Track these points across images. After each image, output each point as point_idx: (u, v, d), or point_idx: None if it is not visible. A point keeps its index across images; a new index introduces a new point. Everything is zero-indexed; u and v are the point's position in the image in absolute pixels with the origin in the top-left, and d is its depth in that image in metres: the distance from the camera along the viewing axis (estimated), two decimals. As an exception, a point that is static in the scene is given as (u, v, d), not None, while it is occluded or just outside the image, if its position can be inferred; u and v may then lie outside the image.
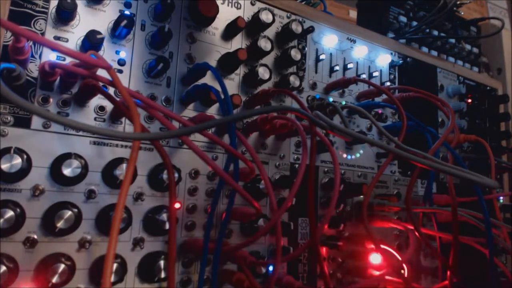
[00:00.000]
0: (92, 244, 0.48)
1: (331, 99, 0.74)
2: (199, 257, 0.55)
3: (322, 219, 0.51)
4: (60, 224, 0.45)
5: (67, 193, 0.48)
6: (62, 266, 0.44)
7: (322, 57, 0.72)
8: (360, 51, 0.78)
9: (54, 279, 0.44)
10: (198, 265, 0.56)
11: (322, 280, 0.57)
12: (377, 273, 0.68)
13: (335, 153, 0.55)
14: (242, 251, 0.53)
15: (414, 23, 0.94)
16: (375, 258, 0.69)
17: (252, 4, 0.67)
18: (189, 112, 0.58)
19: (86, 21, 0.51)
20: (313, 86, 0.72)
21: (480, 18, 1.10)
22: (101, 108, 0.51)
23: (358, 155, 0.76)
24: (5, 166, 0.43)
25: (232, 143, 0.49)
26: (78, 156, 0.48)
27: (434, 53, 0.97)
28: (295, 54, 0.65)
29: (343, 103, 0.75)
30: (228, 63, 0.61)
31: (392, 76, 0.85)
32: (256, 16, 0.63)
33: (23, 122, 0.46)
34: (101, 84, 0.46)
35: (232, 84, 0.63)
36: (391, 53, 0.85)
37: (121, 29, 0.51)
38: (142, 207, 0.53)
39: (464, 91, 0.93)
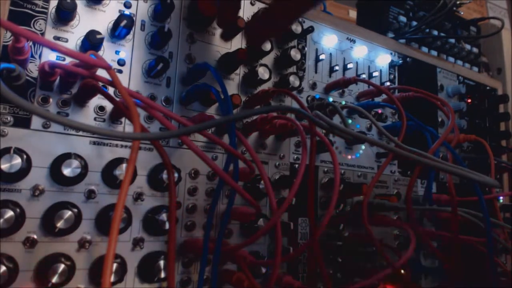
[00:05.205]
0: (92, 244, 0.48)
1: (331, 99, 0.74)
2: (199, 257, 0.55)
3: (322, 219, 0.51)
4: (60, 224, 0.45)
5: (67, 193, 0.48)
6: (62, 266, 0.44)
7: (322, 57, 0.72)
8: (360, 51, 0.78)
9: (54, 279, 0.44)
10: (198, 265, 0.56)
11: (322, 280, 0.57)
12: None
13: (335, 153, 0.55)
14: (242, 251, 0.53)
15: (414, 23, 0.94)
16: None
17: (252, 4, 0.67)
18: (189, 112, 0.58)
19: (86, 21, 0.51)
20: (313, 86, 0.72)
21: (480, 18, 1.10)
22: (101, 108, 0.51)
23: (358, 155, 0.76)
24: (5, 166, 0.43)
25: (231, 143, 0.49)
26: (78, 156, 0.48)
27: (434, 53, 0.97)
28: (295, 54, 0.65)
29: (343, 103, 0.75)
30: (228, 63, 0.61)
31: (392, 76, 0.85)
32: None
33: (23, 122, 0.46)
34: (100, 84, 0.46)
35: (232, 84, 0.63)
36: (391, 53, 0.85)
37: (120, 29, 0.51)
38: (142, 207, 0.53)
39: (464, 91, 0.93)
